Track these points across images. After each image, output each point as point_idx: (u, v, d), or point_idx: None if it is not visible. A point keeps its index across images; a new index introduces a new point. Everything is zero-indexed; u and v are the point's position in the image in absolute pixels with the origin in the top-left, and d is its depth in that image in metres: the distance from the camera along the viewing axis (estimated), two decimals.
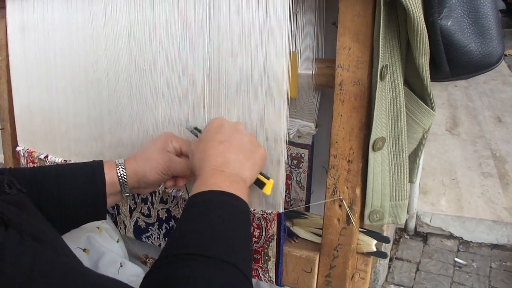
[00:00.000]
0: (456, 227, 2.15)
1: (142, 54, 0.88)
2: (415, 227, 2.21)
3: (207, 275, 0.55)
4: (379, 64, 0.70)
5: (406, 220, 2.20)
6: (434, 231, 2.18)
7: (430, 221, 2.18)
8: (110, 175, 0.79)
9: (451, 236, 2.15)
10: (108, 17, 0.91)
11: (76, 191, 0.77)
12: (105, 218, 0.82)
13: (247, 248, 0.64)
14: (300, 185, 0.97)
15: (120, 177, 0.79)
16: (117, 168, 0.79)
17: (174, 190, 0.92)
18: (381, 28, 0.69)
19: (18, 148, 1.15)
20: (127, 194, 0.81)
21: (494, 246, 2.08)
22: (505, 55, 4.77)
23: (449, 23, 0.74)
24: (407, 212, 2.17)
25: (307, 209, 0.95)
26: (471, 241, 2.11)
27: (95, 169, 0.79)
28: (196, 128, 0.83)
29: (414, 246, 2.11)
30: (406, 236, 2.19)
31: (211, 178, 0.66)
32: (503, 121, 3.18)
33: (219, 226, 0.61)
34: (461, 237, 2.13)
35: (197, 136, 0.81)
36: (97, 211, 0.79)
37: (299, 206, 0.96)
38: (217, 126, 0.74)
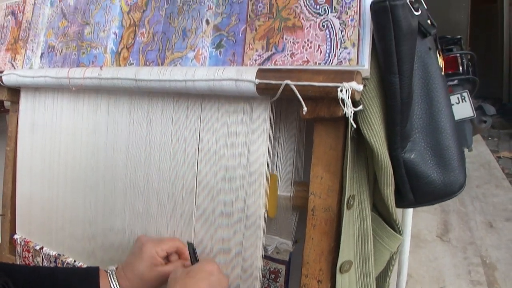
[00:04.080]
0: None
1: (137, 169, 0.95)
2: None
3: None
4: (346, 194, 0.75)
5: None
6: None
7: None
8: (103, 285, 0.81)
9: None
10: (109, 131, 0.99)
11: None
12: None
13: None
14: None
15: None
16: (110, 278, 0.82)
17: None
18: (348, 161, 0.75)
19: (15, 236, 1.20)
20: None
21: None
22: (500, 157, 4.85)
23: (412, 156, 0.78)
24: None
25: None
26: None
27: (89, 277, 0.81)
28: (194, 250, 0.84)
29: None
30: None
31: None
32: (495, 226, 3.19)
33: None
34: None
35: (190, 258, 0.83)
36: None
37: None
38: (208, 274, 0.77)
